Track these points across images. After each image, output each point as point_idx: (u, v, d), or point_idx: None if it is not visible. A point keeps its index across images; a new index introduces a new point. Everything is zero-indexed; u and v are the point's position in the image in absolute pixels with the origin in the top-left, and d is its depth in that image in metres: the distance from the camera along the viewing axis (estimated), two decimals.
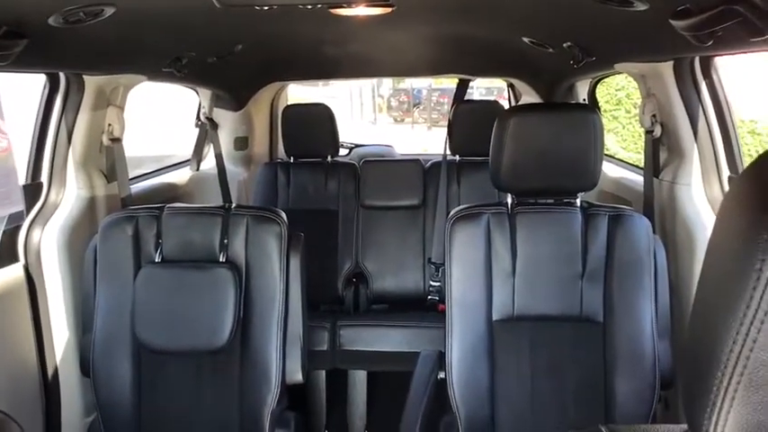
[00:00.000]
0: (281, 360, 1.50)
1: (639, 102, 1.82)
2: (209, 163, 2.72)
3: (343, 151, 3.51)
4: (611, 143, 6.65)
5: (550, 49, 1.90)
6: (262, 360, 1.49)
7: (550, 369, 1.45)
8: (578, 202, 1.50)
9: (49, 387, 1.68)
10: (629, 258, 1.43)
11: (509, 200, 1.51)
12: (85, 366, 1.57)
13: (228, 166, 2.68)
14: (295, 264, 1.56)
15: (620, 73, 2.02)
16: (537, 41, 1.87)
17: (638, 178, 2.11)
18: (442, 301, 1.53)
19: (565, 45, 1.74)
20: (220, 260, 1.53)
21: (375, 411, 2.32)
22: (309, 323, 1.63)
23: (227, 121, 2.78)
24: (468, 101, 2.99)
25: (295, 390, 1.60)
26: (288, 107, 2.74)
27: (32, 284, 1.63)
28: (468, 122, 2.57)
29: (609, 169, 2.33)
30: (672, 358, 1.45)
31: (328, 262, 2.55)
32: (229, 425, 1.49)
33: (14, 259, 1.63)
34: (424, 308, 2.49)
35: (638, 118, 1.89)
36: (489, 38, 2.06)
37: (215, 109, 2.69)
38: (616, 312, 1.42)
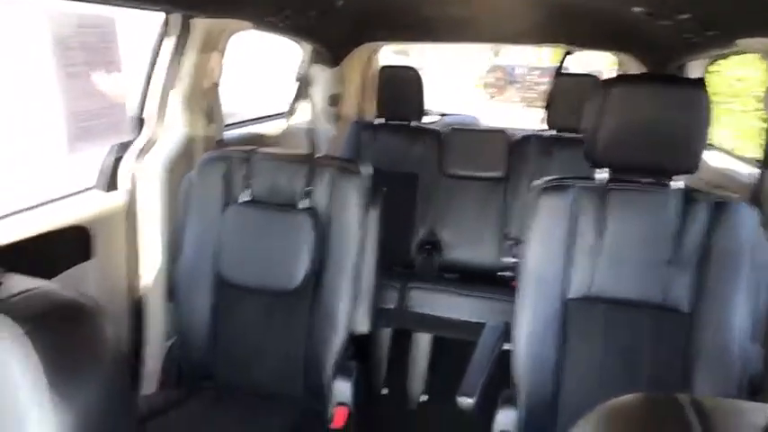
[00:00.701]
0: (350, 309, 1.53)
1: (760, 94, 1.65)
2: (301, 117, 2.79)
3: (430, 119, 3.49)
4: (726, 138, 6.15)
5: (664, 22, 1.76)
6: (331, 306, 1.53)
7: (624, 355, 1.38)
8: (679, 184, 1.40)
9: (137, 309, 1.82)
10: (728, 249, 1.32)
11: (602, 175, 1.43)
12: (170, 292, 1.68)
13: (320, 121, 2.74)
14: (373, 218, 1.57)
15: (740, 52, 1.85)
16: (649, 12, 1.74)
17: (744, 170, 1.94)
18: (515, 278, 1.50)
19: (681, 17, 1.60)
20: (302, 206, 1.57)
21: (435, 376, 2.34)
22: (381, 281, 1.65)
23: (324, 78, 2.82)
24: (570, 74, 2.85)
25: (360, 344, 1.63)
26: (384, 68, 2.74)
27: (130, 211, 1.76)
28: (568, 96, 2.47)
29: (714, 158, 2.17)
30: (764, 364, 1.34)
31: (404, 226, 2.56)
32: (295, 364, 1.55)
33: (117, 186, 1.77)
34: (495, 282, 2.45)
35: (757, 112, 1.72)
36: (598, 6, 1.94)
37: (313, 64, 2.74)
38: (705, 305, 1.32)
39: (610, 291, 1.40)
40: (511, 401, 1.41)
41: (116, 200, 1.74)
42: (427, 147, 2.63)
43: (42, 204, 1.58)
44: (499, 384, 1.46)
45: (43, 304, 0.64)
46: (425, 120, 2.86)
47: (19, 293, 0.64)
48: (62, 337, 0.62)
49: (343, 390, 1.49)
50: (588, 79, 2.49)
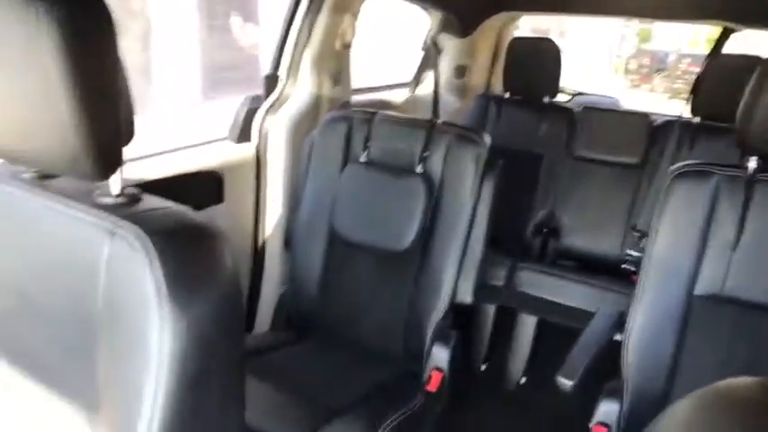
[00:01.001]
0: (455, 277, 1.52)
1: None
2: (425, 88, 2.78)
3: (564, 97, 3.32)
4: None
5: None
6: (437, 272, 1.53)
7: (752, 364, 1.24)
8: None
9: (258, 254, 1.94)
10: None
11: (752, 164, 1.28)
12: (287, 243, 1.77)
13: (444, 93, 2.71)
14: (488, 189, 1.54)
15: None
16: None
17: None
18: (637, 272, 1.39)
19: None
20: (417, 171, 1.58)
21: (537, 360, 2.27)
22: (490, 256, 1.62)
23: (451, 48, 2.79)
24: (728, 54, 2.55)
25: (464, 315, 1.62)
26: (515, 39, 2.64)
27: (259, 162, 1.87)
28: (722, 79, 2.22)
29: None
30: None
31: (522, 205, 2.48)
32: (396, 324, 1.57)
33: (249, 138, 1.88)
34: (614, 274, 2.30)
35: None
36: None
37: (441, 34, 2.71)
38: None
39: (745, 292, 1.25)
40: (615, 394, 1.33)
41: (246, 150, 1.85)
42: (556, 125, 2.51)
43: (184, 148, 1.73)
44: (604, 375, 1.38)
45: (174, 222, 0.70)
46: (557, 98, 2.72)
47: (154, 209, 0.71)
48: (187, 253, 0.67)
49: (440, 355, 1.49)
50: (749, 60, 2.21)
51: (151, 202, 0.73)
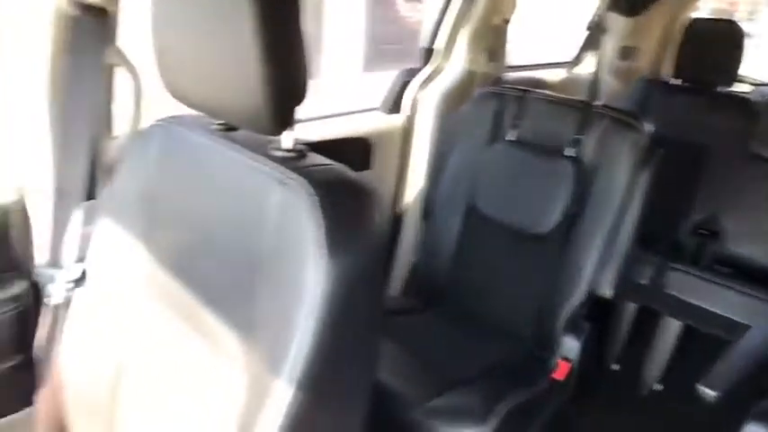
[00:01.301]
0: (596, 268, 1.46)
1: None
2: (584, 68, 2.65)
3: (745, 88, 2.97)
4: None
5: None
6: (577, 260, 1.47)
7: None
8: None
9: (396, 222, 2.01)
10: None
11: None
12: (426, 213, 1.81)
13: (604, 74, 2.57)
14: (644, 180, 1.45)
15: None
16: None
17: None
18: None
19: None
20: (567, 153, 1.52)
21: (677, 368, 2.11)
22: (638, 251, 1.53)
23: (618, 28, 2.62)
24: None
25: (601, 309, 1.55)
26: (695, 20, 2.40)
27: (406, 133, 1.93)
28: None
29: None
30: None
31: (680, 202, 2.28)
32: (527, 306, 1.55)
33: (399, 110, 1.94)
34: None
35: None
36: None
37: (608, 12, 2.55)
38: None
39: None
40: (766, 418, 1.21)
41: (396, 121, 1.92)
42: (731, 118, 2.25)
43: (340, 115, 1.84)
44: (753, 395, 1.26)
45: (336, 177, 0.76)
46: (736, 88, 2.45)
47: (317, 165, 0.77)
48: (346, 206, 0.73)
49: (570, 345, 1.45)
50: None
51: (316, 158, 0.80)
